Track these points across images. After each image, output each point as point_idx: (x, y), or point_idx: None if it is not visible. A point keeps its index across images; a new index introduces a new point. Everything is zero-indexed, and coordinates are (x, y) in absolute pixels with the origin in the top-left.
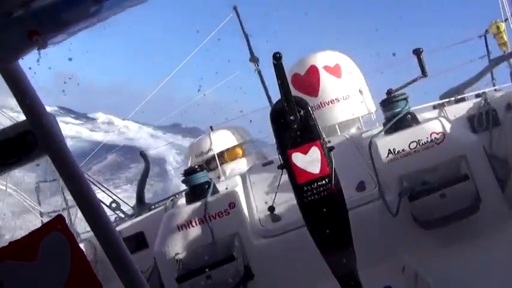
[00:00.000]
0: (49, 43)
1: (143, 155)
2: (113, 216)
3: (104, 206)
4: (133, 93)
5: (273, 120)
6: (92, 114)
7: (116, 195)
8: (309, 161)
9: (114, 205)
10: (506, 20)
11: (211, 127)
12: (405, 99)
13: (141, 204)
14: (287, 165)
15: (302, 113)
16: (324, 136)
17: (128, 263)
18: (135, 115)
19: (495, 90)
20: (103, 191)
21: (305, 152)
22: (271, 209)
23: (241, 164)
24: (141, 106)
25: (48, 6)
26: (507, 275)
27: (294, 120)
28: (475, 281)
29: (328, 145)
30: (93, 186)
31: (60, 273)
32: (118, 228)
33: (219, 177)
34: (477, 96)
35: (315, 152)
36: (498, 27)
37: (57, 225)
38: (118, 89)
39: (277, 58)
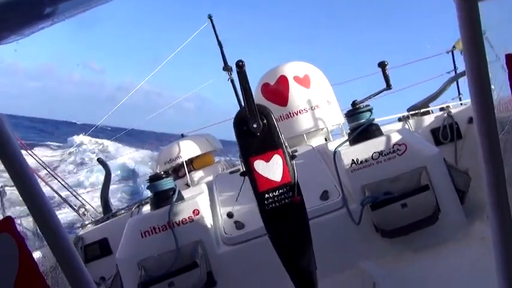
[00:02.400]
0: (1, 43)
1: (101, 161)
2: (81, 221)
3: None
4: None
5: (235, 127)
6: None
7: (84, 199)
8: (271, 168)
9: (82, 210)
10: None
11: (182, 134)
12: (369, 110)
13: (106, 210)
14: (249, 172)
15: (265, 121)
16: (286, 144)
17: (81, 273)
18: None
19: (461, 104)
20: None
21: (267, 160)
22: (230, 215)
23: (210, 172)
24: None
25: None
26: (464, 285)
27: (256, 127)
28: None
29: (292, 154)
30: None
31: (7, 276)
32: (81, 233)
33: (187, 185)
34: (441, 109)
35: (277, 160)
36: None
37: (5, 226)
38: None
39: (240, 66)
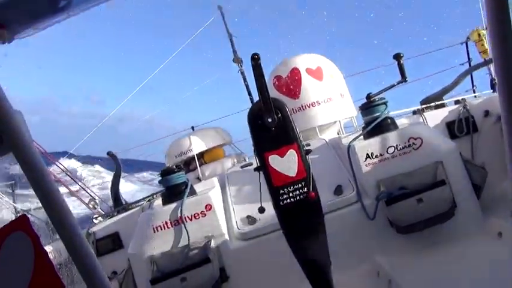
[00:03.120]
0: (15, 37)
1: (111, 155)
2: (92, 215)
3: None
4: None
5: (250, 122)
6: None
7: (94, 193)
8: (286, 163)
9: (92, 203)
10: (487, 27)
11: (192, 127)
12: (384, 103)
13: (117, 204)
14: (264, 167)
15: (280, 115)
16: (301, 139)
17: (94, 268)
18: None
19: (475, 97)
20: (83, 188)
21: (282, 155)
22: (262, 210)
23: (221, 166)
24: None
25: None
26: (480, 280)
27: (271, 122)
28: (449, 286)
29: (306, 148)
30: (71, 184)
31: (22, 274)
32: (93, 229)
33: (198, 178)
34: (456, 102)
35: (292, 155)
36: (479, 35)
37: (21, 225)
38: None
39: (255, 59)
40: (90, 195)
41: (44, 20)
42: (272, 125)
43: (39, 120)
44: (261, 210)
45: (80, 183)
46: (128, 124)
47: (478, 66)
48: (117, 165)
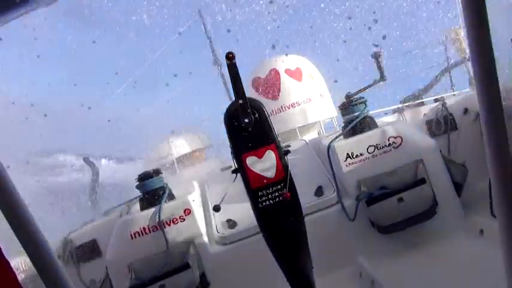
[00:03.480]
0: None
1: (86, 160)
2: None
3: None
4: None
5: (226, 123)
6: None
7: None
8: (264, 165)
9: None
10: (465, 26)
11: (172, 131)
12: (364, 102)
13: (95, 210)
14: (241, 169)
15: (257, 115)
16: (279, 139)
17: (60, 280)
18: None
19: (453, 95)
20: None
21: (260, 156)
22: (217, 208)
23: (202, 169)
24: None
25: None
26: (462, 280)
27: (248, 122)
28: (432, 286)
29: (285, 149)
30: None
31: None
32: (69, 235)
33: (178, 183)
34: (436, 100)
35: (270, 156)
36: (457, 33)
37: None
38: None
39: (229, 58)
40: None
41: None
42: (249, 125)
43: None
44: (216, 209)
45: None
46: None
47: (456, 64)
48: (94, 171)
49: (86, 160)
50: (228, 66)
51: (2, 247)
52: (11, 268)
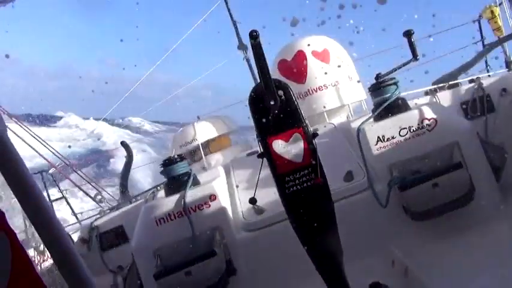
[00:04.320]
0: None
1: (125, 145)
2: (98, 208)
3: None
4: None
5: (251, 105)
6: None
7: (100, 187)
8: (291, 148)
9: (99, 197)
10: (500, 4)
11: (198, 117)
12: (395, 83)
13: (123, 196)
14: (267, 153)
15: (283, 97)
16: (307, 122)
17: (79, 270)
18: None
19: (489, 76)
20: (88, 182)
21: (286, 139)
22: (253, 200)
23: (227, 155)
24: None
25: None
26: (502, 267)
27: (274, 104)
28: (468, 275)
29: (313, 132)
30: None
31: (0, 272)
32: (96, 222)
33: (204, 168)
34: (471, 81)
35: (297, 139)
36: (492, 12)
37: None
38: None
39: (254, 37)
40: (97, 190)
41: None
42: (275, 107)
43: (58, 86)
44: (252, 201)
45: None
46: (147, 87)
47: (496, 44)
48: (129, 156)
49: (124, 144)
50: (252, 46)
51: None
52: (26, 254)
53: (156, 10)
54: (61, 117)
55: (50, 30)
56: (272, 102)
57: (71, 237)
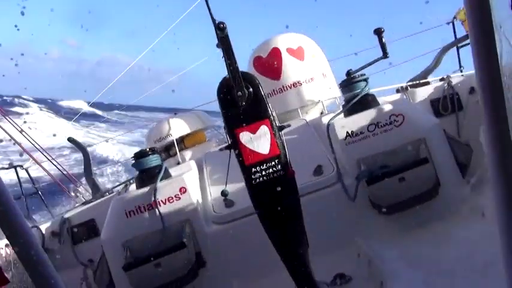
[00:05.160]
0: None
1: (72, 140)
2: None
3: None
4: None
5: (219, 97)
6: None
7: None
8: (258, 140)
9: (75, 191)
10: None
11: (175, 113)
12: (365, 80)
13: (94, 190)
14: (235, 145)
15: (251, 89)
16: (274, 114)
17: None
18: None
19: (462, 75)
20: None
21: (253, 131)
22: (224, 193)
23: (202, 150)
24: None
25: None
26: (464, 262)
27: (241, 96)
28: (430, 268)
29: (279, 124)
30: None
31: None
32: (67, 215)
33: (178, 164)
34: (441, 80)
35: (264, 131)
36: (466, 14)
37: None
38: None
39: (221, 29)
40: (75, 185)
41: None
42: (242, 99)
43: (15, 66)
44: (224, 193)
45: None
46: (107, 68)
47: (459, 41)
48: (83, 151)
49: (71, 140)
50: (219, 37)
51: None
52: None
53: None
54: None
55: None
56: (239, 94)
57: (40, 230)
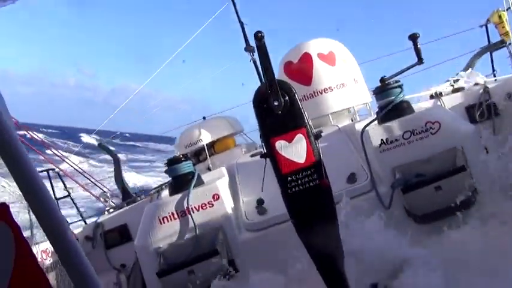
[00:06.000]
0: None
1: (102, 146)
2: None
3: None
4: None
5: (255, 106)
6: None
7: (104, 187)
8: (294, 149)
9: (103, 197)
10: (508, 9)
11: (204, 117)
12: (400, 86)
13: (125, 195)
14: (271, 154)
15: (287, 97)
16: (310, 122)
17: (83, 268)
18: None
19: (495, 80)
20: (93, 182)
21: (289, 140)
22: (260, 201)
23: (232, 155)
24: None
25: None
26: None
27: (277, 105)
28: (468, 276)
29: (316, 133)
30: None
31: (3, 265)
32: (100, 220)
33: (209, 169)
34: (475, 85)
35: (300, 140)
36: (500, 17)
37: (1, 214)
38: None
39: (259, 38)
40: (102, 189)
41: None
42: (278, 108)
43: (32, 93)
44: (260, 202)
45: (87, 176)
46: (121, 97)
47: (494, 46)
48: (113, 156)
49: (102, 146)
50: (257, 47)
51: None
52: (29, 247)
53: None
54: None
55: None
56: (276, 103)
57: (75, 235)
